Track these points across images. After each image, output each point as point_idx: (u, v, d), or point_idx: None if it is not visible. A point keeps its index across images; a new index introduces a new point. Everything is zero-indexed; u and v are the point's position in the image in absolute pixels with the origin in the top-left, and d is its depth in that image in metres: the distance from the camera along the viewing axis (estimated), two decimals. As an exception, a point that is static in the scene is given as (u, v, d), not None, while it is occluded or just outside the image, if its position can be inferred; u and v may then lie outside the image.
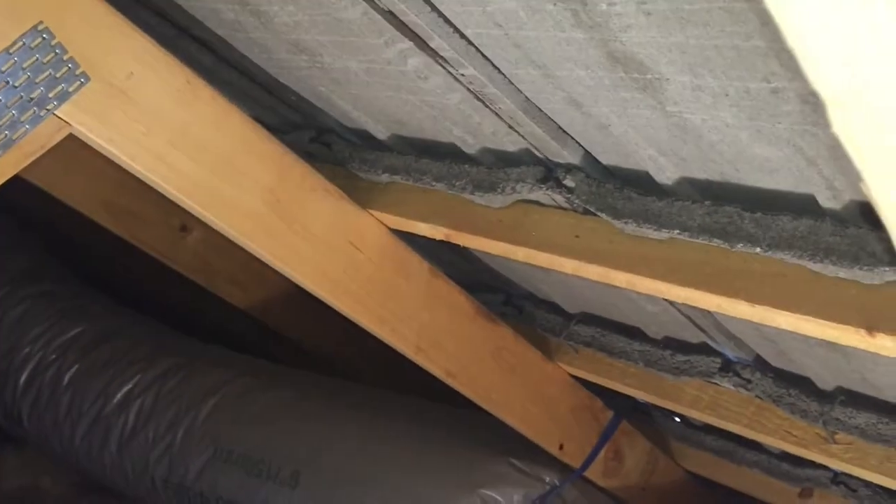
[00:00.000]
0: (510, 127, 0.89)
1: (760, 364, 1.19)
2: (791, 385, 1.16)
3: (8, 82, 0.80)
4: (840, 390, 1.11)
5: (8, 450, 2.19)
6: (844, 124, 0.41)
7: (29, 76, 0.81)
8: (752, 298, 0.78)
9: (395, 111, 0.99)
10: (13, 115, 0.81)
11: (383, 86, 0.93)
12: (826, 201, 0.72)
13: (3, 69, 0.80)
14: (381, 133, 1.09)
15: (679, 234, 0.82)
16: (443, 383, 1.31)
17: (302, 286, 1.10)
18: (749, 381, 1.18)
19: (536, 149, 0.92)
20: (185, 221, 1.82)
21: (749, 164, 0.73)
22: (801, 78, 0.58)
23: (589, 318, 1.38)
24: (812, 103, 0.60)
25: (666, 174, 0.81)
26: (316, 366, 2.14)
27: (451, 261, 1.40)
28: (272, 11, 0.87)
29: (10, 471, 2.19)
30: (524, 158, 0.96)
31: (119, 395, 1.75)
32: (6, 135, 0.81)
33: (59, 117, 0.84)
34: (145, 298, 2.20)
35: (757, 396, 1.19)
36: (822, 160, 0.67)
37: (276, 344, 2.29)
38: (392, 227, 1.14)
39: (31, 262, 1.99)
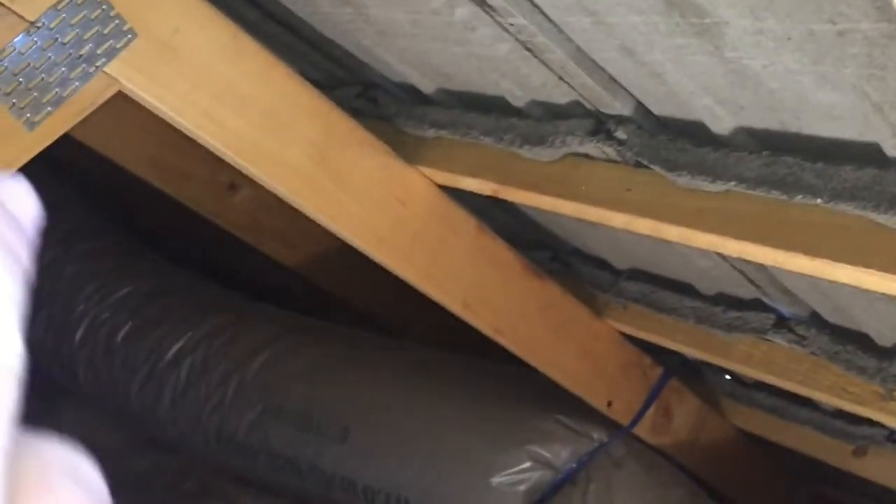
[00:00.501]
0: (560, 78, 0.87)
1: (816, 320, 1.16)
2: (848, 341, 1.13)
3: (57, 39, 0.80)
4: (899, 346, 1.09)
5: (65, 405, 2.25)
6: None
7: (77, 33, 0.81)
8: (812, 252, 0.75)
9: (442, 64, 0.98)
10: (63, 72, 0.81)
11: (429, 37, 0.91)
12: (892, 150, 0.69)
13: (52, 26, 0.80)
14: (427, 87, 1.08)
15: (735, 185, 0.80)
16: (489, 341, 1.30)
17: (349, 242, 1.10)
18: (804, 338, 1.15)
19: (587, 100, 0.90)
20: (233, 179, 1.83)
21: (811, 112, 0.70)
22: (870, 18, 0.56)
23: (638, 274, 1.36)
24: (881, 45, 0.57)
25: (722, 124, 0.79)
26: (362, 323, 2.15)
27: (497, 217, 1.39)
28: (317, -38, 0.86)
29: (67, 424, 2.25)
30: (574, 111, 0.94)
31: (171, 352, 1.78)
32: (57, 92, 0.82)
33: (108, 74, 0.84)
34: (193, 256, 2.22)
35: (812, 353, 1.17)
36: (890, 106, 0.64)
37: (322, 301, 2.31)
38: (439, 182, 1.12)
39: (80, 221, 2.02)
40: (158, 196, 1.83)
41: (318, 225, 1.08)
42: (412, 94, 1.13)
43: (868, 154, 0.71)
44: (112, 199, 2.17)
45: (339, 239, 1.11)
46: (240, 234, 1.92)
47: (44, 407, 2.25)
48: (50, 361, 1.93)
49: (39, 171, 0.83)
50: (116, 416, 1.94)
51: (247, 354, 1.73)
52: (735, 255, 0.84)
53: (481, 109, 1.05)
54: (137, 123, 1.70)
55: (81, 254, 1.93)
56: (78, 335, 1.86)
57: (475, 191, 1.08)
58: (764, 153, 0.78)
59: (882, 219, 0.71)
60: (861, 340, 1.13)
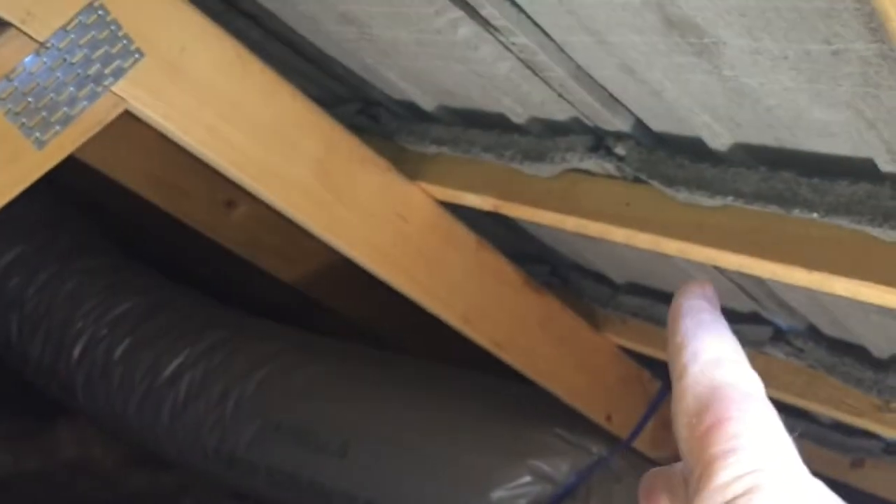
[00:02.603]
0: (560, 95, 0.89)
1: (813, 333, 1.17)
2: (845, 354, 1.15)
3: (66, 59, 0.82)
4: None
5: (61, 422, 2.25)
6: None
7: (86, 53, 0.82)
8: (810, 265, 0.77)
9: (444, 81, 0.99)
10: (72, 91, 0.83)
11: (432, 56, 0.93)
12: (885, 165, 0.71)
13: (61, 46, 0.81)
14: (428, 104, 1.09)
15: (733, 200, 0.81)
16: (486, 355, 1.31)
17: (351, 258, 1.11)
18: (801, 350, 1.17)
19: (586, 117, 0.92)
20: (231, 197, 1.84)
21: (807, 129, 0.72)
22: (864, 39, 0.58)
23: (636, 288, 1.38)
24: (875, 65, 0.59)
25: (720, 140, 0.81)
26: (359, 338, 2.16)
27: (495, 232, 1.40)
28: (321, -17, 0.87)
29: (63, 442, 2.25)
30: (573, 127, 0.95)
31: (169, 369, 1.78)
32: (65, 111, 0.83)
33: (116, 93, 0.85)
34: (189, 272, 2.23)
35: (809, 366, 1.18)
36: (883, 123, 0.66)
37: (317, 316, 2.32)
38: (440, 198, 1.14)
39: (78, 238, 2.03)
40: (156, 213, 1.84)
41: (315, 241, 1.09)
42: (413, 111, 1.15)
43: (863, 169, 0.73)
44: (109, 216, 2.18)
45: (336, 254, 1.12)
46: (237, 250, 1.93)
47: (41, 424, 2.25)
48: (48, 378, 1.93)
49: (37, 188, 0.84)
50: (115, 433, 1.94)
51: (246, 370, 1.74)
52: (733, 268, 0.86)
53: (482, 126, 1.06)
54: (136, 141, 1.72)
55: (79, 271, 1.94)
56: (76, 352, 1.86)
57: (476, 206, 1.10)
58: (761, 168, 0.80)
59: (877, 232, 0.72)
60: (858, 353, 1.14)
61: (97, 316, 1.87)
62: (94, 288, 1.91)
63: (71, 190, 2.07)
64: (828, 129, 0.71)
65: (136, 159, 1.73)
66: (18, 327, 1.93)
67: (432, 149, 1.11)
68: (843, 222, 0.74)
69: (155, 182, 1.76)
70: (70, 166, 0.89)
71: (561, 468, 1.54)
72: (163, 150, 1.72)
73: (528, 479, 1.54)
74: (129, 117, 0.89)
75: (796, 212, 0.77)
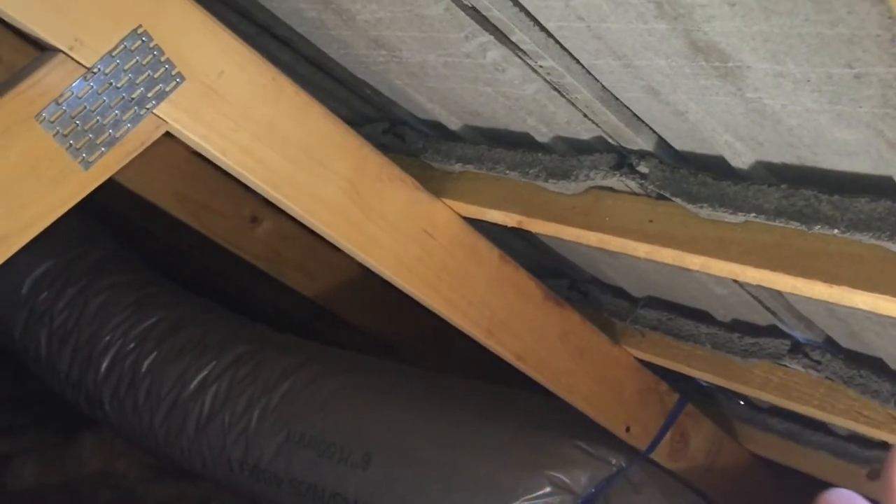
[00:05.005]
0: (585, 116, 0.92)
1: (831, 345, 1.20)
2: (862, 366, 1.17)
3: (111, 84, 0.85)
4: (912, 370, 1.12)
5: (87, 435, 2.28)
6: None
7: (130, 77, 0.86)
8: (830, 279, 0.79)
9: (470, 102, 1.02)
10: (116, 114, 0.86)
11: (460, 78, 0.96)
12: (904, 182, 0.73)
13: (107, 71, 0.84)
14: (453, 124, 1.12)
15: (755, 217, 0.84)
16: (504, 369, 1.34)
17: (379, 273, 1.14)
18: (819, 363, 1.19)
19: (610, 136, 0.95)
20: (255, 213, 1.87)
21: (828, 148, 0.75)
22: (885, 62, 0.60)
23: (655, 302, 1.40)
24: (895, 87, 0.62)
25: (742, 159, 0.83)
26: (379, 351, 2.19)
27: (516, 247, 1.43)
28: (354, 9, 0.90)
29: (89, 454, 2.28)
30: (597, 146, 0.98)
31: (195, 382, 1.81)
32: (110, 133, 0.86)
33: (158, 116, 0.88)
34: (215, 288, 2.26)
35: (827, 378, 1.20)
36: (902, 142, 0.69)
37: (337, 330, 2.35)
38: (465, 215, 1.17)
39: (106, 253, 2.07)
40: (183, 229, 1.87)
41: (337, 256, 1.13)
42: (438, 130, 1.18)
43: (882, 187, 0.76)
44: (137, 232, 2.22)
45: (356, 269, 1.15)
46: (261, 265, 1.96)
47: (68, 436, 2.28)
48: (76, 391, 1.96)
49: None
50: (141, 445, 1.97)
51: (271, 383, 1.76)
52: (755, 282, 0.88)
53: (507, 145, 1.09)
54: (163, 159, 1.76)
55: (107, 286, 1.97)
56: (104, 365, 1.89)
57: (500, 223, 1.12)
58: (782, 186, 0.83)
59: (896, 248, 0.75)
60: (875, 365, 1.16)
61: (125, 330, 1.91)
62: (121, 303, 1.95)
63: (100, 207, 2.10)
64: (848, 149, 0.73)
65: (164, 177, 1.77)
66: (47, 341, 1.96)
67: (457, 167, 1.14)
68: (864, 238, 0.77)
69: (181, 199, 1.80)
70: (100, 184, 0.92)
71: (580, 480, 1.56)
72: (189, 168, 1.76)
73: (547, 490, 1.56)
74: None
75: (817, 228, 0.79)
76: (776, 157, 0.81)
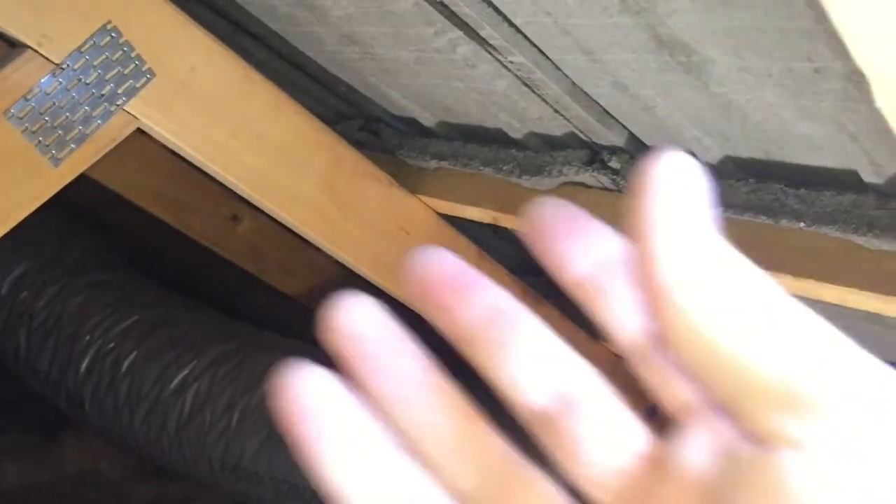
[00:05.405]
0: (556, 111, 0.92)
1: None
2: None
3: (80, 79, 0.85)
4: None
5: (68, 435, 2.27)
6: (887, 100, 0.43)
7: (99, 74, 0.85)
8: (798, 272, 0.80)
9: (443, 98, 1.03)
10: (86, 111, 0.86)
11: (432, 74, 0.96)
12: (869, 176, 0.74)
13: (76, 67, 0.84)
14: (428, 120, 1.12)
15: (723, 212, 0.84)
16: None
17: (356, 271, 1.14)
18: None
19: (582, 132, 0.95)
20: (235, 211, 1.87)
21: (793, 142, 0.75)
22: (844, 57, 0.61)
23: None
24: (855, 81, 0.62)
25: (710, 154, 0.84)
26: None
27: (493, 244, 1.43)
28: (326, 5, 0.90)
29: (70, 455, 2.27)
30: (570, 142, 0.99)
31: (176, 381, 1.81)
32: (80, 130, 0.86)
33: (128, 112, 0.88)
34: (194, 286, 2.26)
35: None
36: (865, 136, 0.69)
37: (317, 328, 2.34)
38: (441, 211, 1.17)
39: (86, 252, 2.06)
40: (162, 228, 1.87)
41: (318, 254, 1.12)
42: (413, 127, 1.18)
43: (847, 180, 0.76)
44: (116, 231, 2.21)
45: (338, 268, 1.14)
46: (242, 263, 1.96)
47: (48, 437, 2.27)
48: (56, 391, 1.95)
49: (46, 204, 0.87)
50: (122, 445, 1.96)
51: (252, 381, 1.76)
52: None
53: (481, 141, 1.10)
54: (141, 157, 1.75)
55: (87, 285, 1.97)
56: (84, 365, 1.89)
57: (476, 219, 1.13)
58: (750, 181, 0.83)
59: (861, 240, 0.75)
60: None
61: (104, 329, 1.90)
62: (101, 302, 1.94)
63: (78, 206, 2.10)
64: (813, 143, 0.74)
65: (142, 175, 1.77)
66: (27, 341, 1.95)
67: (433, 163, 1.15)
68: (829, 231, 0.77)
69: (160, 197, 1.80)
70: (77, 182, 0.92)
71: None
72: (168, 166, 1.76)
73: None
74: (135, 134, 0.92)
75: (784, 222, 0.80)
76: (743, 152, 0.82)
